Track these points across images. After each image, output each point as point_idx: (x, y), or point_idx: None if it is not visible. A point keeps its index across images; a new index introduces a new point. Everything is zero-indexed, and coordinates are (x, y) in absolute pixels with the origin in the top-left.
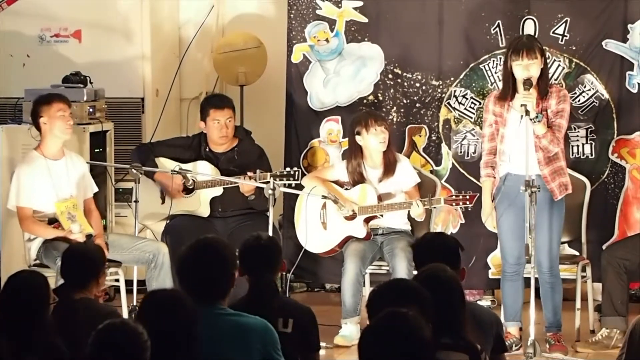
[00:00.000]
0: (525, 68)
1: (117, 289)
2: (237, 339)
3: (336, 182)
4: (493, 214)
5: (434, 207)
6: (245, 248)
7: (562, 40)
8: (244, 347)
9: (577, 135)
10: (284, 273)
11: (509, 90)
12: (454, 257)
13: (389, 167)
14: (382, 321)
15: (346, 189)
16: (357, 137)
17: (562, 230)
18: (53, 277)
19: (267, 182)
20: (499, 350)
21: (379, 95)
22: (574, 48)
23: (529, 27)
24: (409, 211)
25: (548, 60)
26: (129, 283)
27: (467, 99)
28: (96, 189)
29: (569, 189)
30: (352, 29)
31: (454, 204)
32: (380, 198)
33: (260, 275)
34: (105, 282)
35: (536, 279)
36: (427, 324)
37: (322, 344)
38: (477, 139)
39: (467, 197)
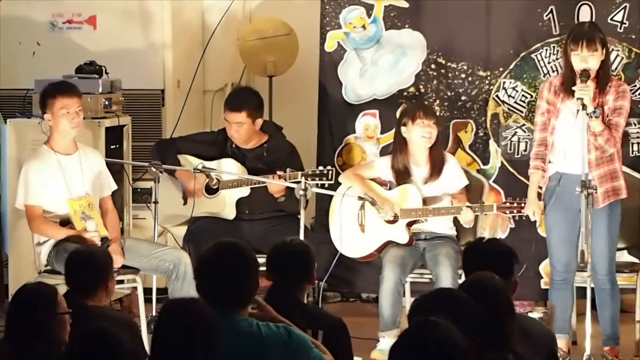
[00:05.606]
0: (583, 60)
1: None
2: (258, 350)
3: (375, 180)
4: (538, 211)
5: (485, 214)
6: (271, 251)
7: (620, 28)
8: (265, 359)
9: (638, 132)
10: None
11: (567, 78)
12: (505, 266)
13: (436, 168)
14: (410, 331)
15: (388, 188)
16: (402, 129)
17: (619, 235)
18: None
19: (298, 182)
20: None
21: (421, 87)
22: (633, 36)
23: (585, 13)
24: (455, 216)
25: None
26: (147, 292)
27: (517, 91)
28: (115, 187)
29: (621, 195)
30: (392, 14)
31: (507, 211)
32: (424, 201)
33: (280, 283)
34: (122, 290)
35: (592, 289)
36: (474, 337)
37: (358, 359)
38: (529, 135)
39: (522, 204)
